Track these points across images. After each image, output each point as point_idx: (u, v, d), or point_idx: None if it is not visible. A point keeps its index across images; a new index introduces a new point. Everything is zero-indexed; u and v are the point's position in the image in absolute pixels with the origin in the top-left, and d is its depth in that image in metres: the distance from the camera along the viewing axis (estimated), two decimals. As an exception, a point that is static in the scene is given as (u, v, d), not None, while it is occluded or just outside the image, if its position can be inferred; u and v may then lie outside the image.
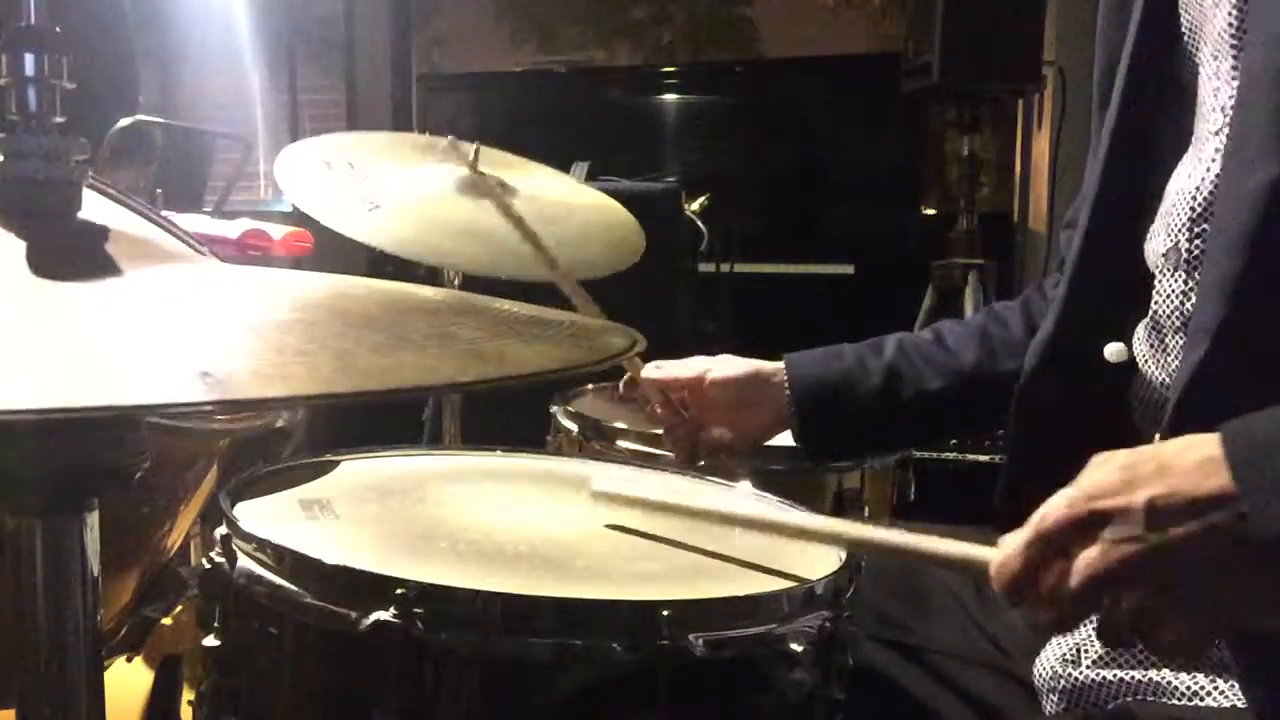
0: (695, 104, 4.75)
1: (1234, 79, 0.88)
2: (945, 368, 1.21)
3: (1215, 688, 0.88)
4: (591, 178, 3.29)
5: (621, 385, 1.36)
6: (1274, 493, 0.68)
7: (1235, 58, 0.88)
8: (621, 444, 1.47)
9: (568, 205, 1.77)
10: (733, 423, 1.26)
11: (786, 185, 4.51)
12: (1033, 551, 0.74)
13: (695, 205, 3.54)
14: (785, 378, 1.24)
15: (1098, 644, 0.95)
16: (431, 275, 1.94)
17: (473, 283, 1.78)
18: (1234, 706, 0.86)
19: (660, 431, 1.41)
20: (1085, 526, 0.72)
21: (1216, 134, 0.90)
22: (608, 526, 0.97)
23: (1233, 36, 0.89)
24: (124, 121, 2.64)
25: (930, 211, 4.49)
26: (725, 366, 1.27)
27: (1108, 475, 0.73)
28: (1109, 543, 0.71)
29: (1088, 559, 0.71)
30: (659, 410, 1.30)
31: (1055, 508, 0.74)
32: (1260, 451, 0.70)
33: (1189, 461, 0.71)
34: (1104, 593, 0.72)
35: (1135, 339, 0.99)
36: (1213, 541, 0.69)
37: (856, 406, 1.23)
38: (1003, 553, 0.76)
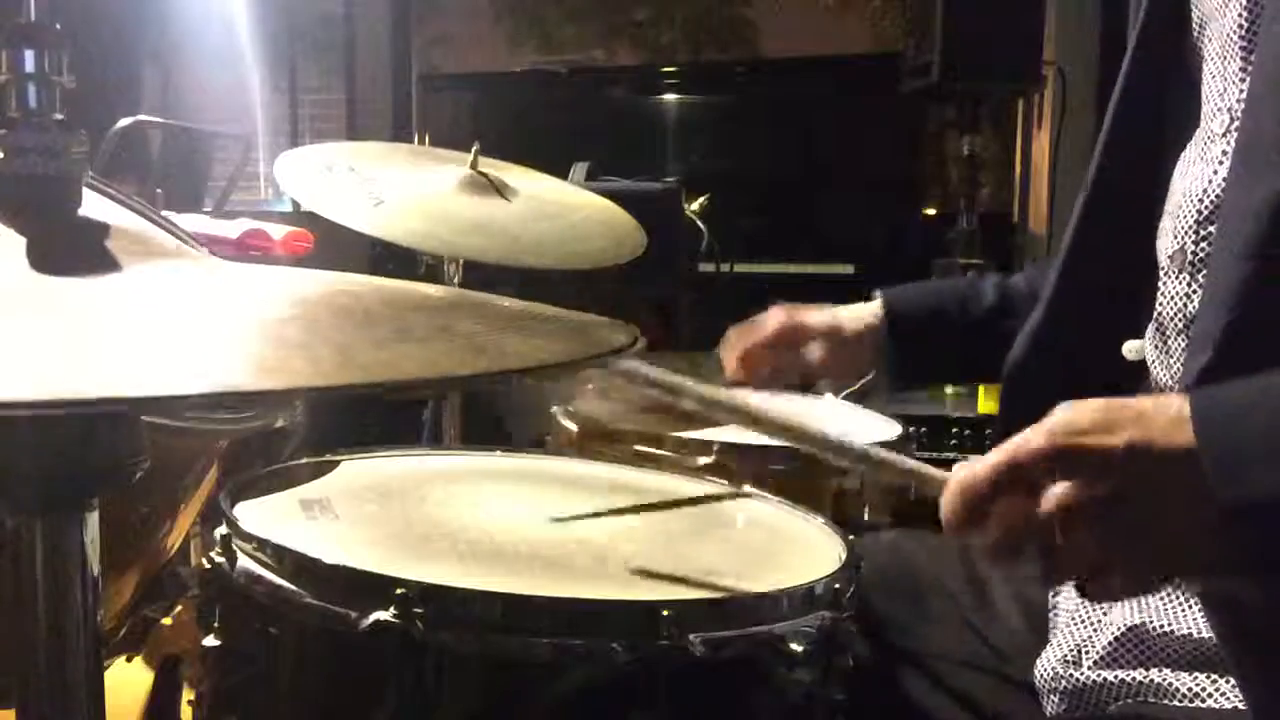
0: (695, 104, 4.75)
1: (1242, 79, 0.87)
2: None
3: (1216, 689, 0.88)
4: (591, 178, 3.29)
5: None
6: (1231, 456, 0.70)
7: (1244, 59, 0.87)
8: (622, 444, 1.47)
9: (567, 205, 1.77)
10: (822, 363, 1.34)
11: (786, 185, 4.51)
12: (1003, 476, 0.75)
13: (695, 205, 3.53)
14: (876, 316, 1.33)
15: (1099, 644, 0.95)
16: (431, 274, 1.95)
17: (473, 280, 1.78)
18: (1235, 708, 0.86)
19: (660, 432, 1.41)
20: (1062, 460, 0.73)
21: (1224, 135, 0.89)
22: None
23: (1242, 37, 0.88)
24: (123, 122, 2.64)
25: (930, 211, 4.49)
26: (807, 315, 1.36)
27: (1086, 415, 0.74)
28: (1085, 480, 0.72)
29: (1061, 491, 0.72)
30: (739, 368, 1.35)
31: (1035, 437, 0.74)
32: (1224, 416, 0.72)
33: (1164, 415, 0.73)
34: (1067, 526, 0.72)
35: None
36: (1178, 495, 0.71)
37: (970, 326, 1.29)
38: (967, 470, 0.77)
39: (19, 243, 0.64)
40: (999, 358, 1.37)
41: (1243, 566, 0.73)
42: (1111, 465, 0.71)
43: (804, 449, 0.97)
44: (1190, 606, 0.90)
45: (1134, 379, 0.98)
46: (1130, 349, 0.99)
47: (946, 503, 0.78)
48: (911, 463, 0.86)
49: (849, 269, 4.24)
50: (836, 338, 1.35)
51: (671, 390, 0.96)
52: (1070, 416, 0.74)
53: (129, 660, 1.56)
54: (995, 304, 1.27)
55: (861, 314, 1.36)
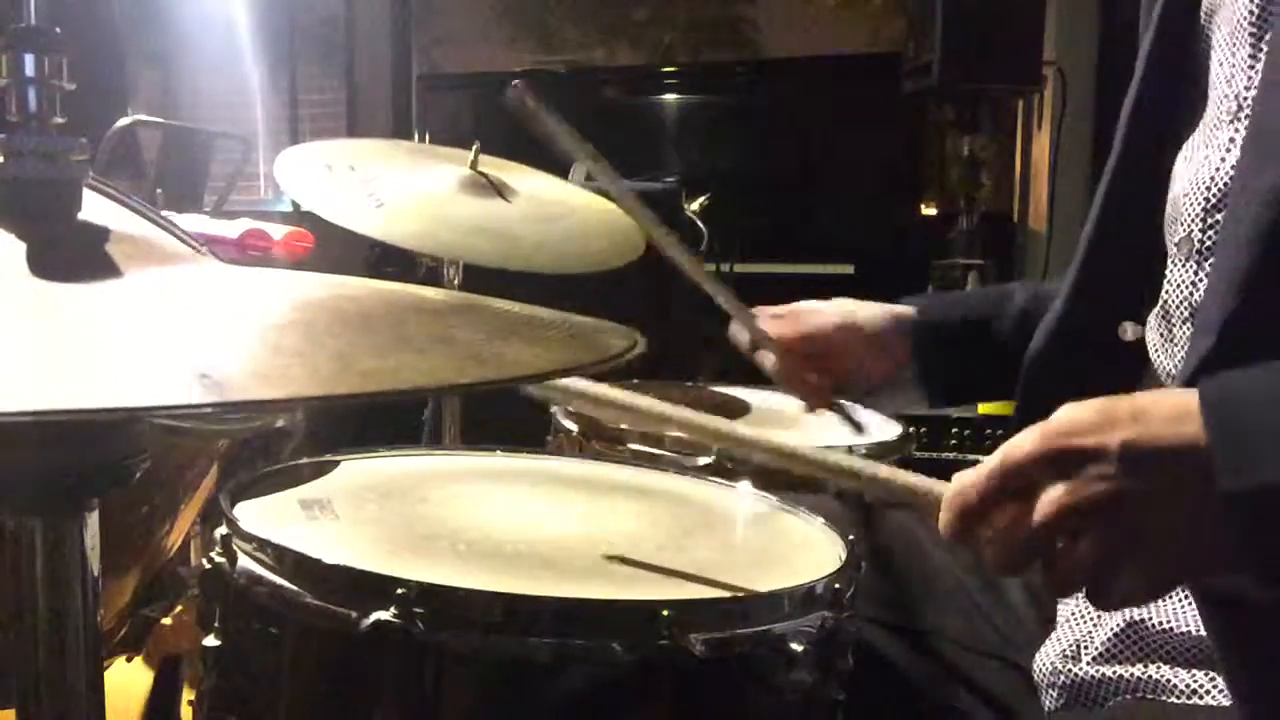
0: (695, 104, 4.75)
1: (1251, 66, 0.87)
2: None
3: (1215, 685, 0.88)
4: (591, 178, 3.28)
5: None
6: (1242, 446, 0.68)
7: (1254, 45, 0.87)
8: (623, 444, 1.47)
9: (567, 205, 1.77)
10: (863, 364, 1.32)
11: (786, 185, 4.51)
12: (995, 483, 0.73)
13: (695, 205, 3.53)
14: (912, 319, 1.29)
15: (1098, 640, 0.95)
16: (431, 276, 1.95)
17: (472, 282, 1.78)
18: (1233, 705, 0.86)
19: (660, 432, 1.42)
20: (1055, 462, 0.71)
21: (1231, 122, 0.89)
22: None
23: (1252, 24, 0.87)
24: (122, 122, 2.64)
25: (930, 211, 4.49)
26: (861, 310, 1.34)
27: (1082, 414, 0.71)
28: (1080, 480, 0.69)
29: (1056, 494, 0.70)
30: (779, 361, 1.34)
31: (1025, 441, 0.72)
32: (1233, 405, 0.70)
33: (1164, 409, 0.70)
34: (1065, 530, 0.71)
35: (1148, 327, 0.98)
36: (1181, 490, 0.69)
37: (993, 347, 1.25)
38: (960, 482, 0.75)
39: (19, 247, 0.64)
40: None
41: (1252, 562, 0.70)
42: (1106, 463, 0.69)
43: (792, 467, 0.92)
44: (1190, 603, 0.90)
45: (1135, 364, 0.98)
46: (1126, 330, 0.99)
47: (943, 516, 0.76)
48: (906, 477, 0.83)
49: (849, 269, 4.24)
50: (860, 338, 1.33)
51: (629, 409, 0.94)
52: (1065, 416, 0.72)
53: (129, 660, 1.56)
54: (1015, 326, 1.22)
55: (879, 315, 1.34)
